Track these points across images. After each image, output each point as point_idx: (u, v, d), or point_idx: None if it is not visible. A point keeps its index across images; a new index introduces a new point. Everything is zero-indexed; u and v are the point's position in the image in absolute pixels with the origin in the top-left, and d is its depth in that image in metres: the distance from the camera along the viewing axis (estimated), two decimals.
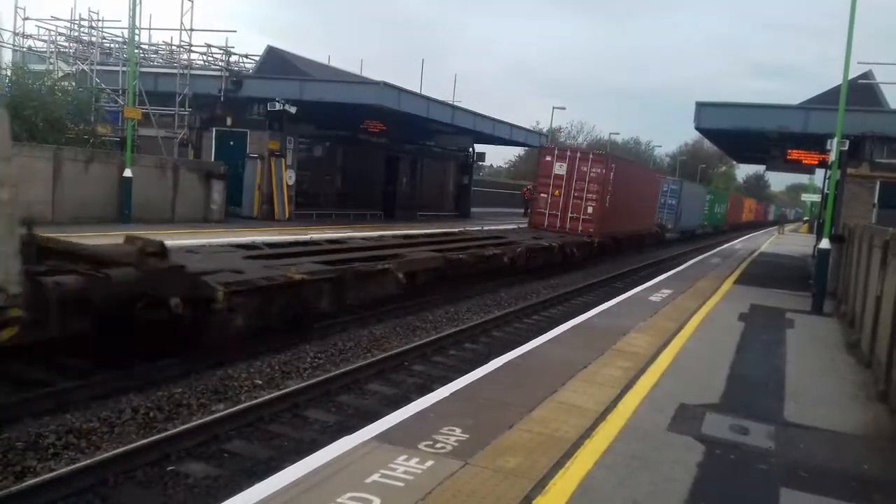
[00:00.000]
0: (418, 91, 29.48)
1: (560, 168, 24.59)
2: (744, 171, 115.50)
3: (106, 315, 7.70)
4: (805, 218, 73.66)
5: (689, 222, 44.54)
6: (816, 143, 17.25)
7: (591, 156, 25.10)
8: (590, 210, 24.18)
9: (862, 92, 18.55)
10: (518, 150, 77.22)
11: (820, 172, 24.09)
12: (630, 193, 27.77)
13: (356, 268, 12.01)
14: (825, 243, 13.86)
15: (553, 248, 21.15)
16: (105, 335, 7.85)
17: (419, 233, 20.65)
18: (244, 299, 9.09)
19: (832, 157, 13.95)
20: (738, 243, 38.51)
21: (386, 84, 23.54)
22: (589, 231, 24.21)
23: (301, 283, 10.28)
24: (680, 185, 43.24)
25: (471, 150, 38.70)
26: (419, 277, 13.94)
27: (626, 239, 29.44)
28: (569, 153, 25.31)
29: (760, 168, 74.85)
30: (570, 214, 24.49)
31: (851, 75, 14.33)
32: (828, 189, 15.17)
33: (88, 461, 5.94)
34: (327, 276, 11.12)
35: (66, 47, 25.81)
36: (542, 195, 25.17)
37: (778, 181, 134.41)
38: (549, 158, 25.02)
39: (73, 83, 23.52)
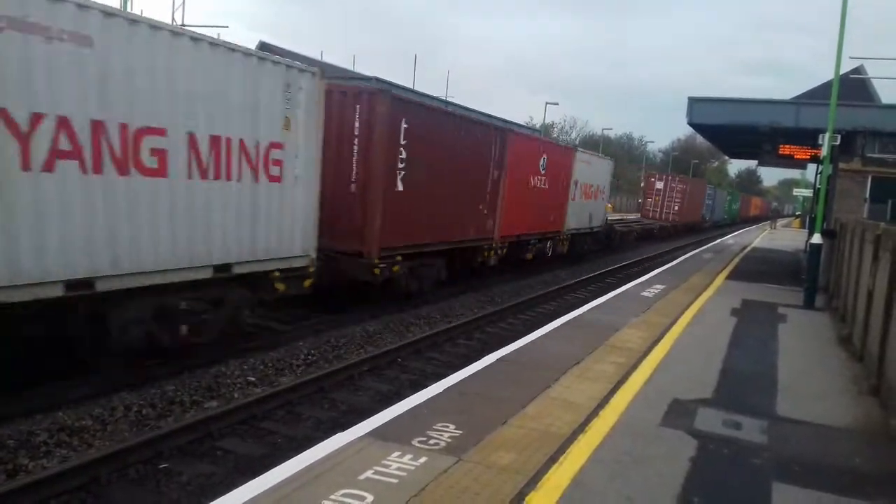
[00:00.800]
0: (411, 87, 29.41)
1: (660, 185, 47.83)
2: (736, 166, 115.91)
3: None
4: (798, 213, 74.05)
5: (718, 216, 62.92)
6: (808, 138, 17.28)
7: (677, 177, 50.05)
8: (675, 208, 46.66)
9: (854, 87, 18.61)
10: None
11: (812, 167, 24.21)
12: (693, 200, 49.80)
13: None
14: (817, 238, 13.91)
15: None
16: None
17: None
18: None
19: (824, 151, 13.99)
20: (730, 238, 38.61)
21: (378, 79, 23.45)
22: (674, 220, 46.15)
23: None
24: (714, 190, 61.70)
25: None
26: None
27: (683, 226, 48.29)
28: (667, 178, 49.24)
29: (752, 163, 75.18)
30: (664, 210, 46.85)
31: (843, 70, 14.37)
32: (820, 184, 15.22)
33: (81, 459, 5.92)
34: None
35: None
36: (648, 199, 48.59)
37: (770, 176, 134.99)
38: (653, 180, 49.73)
39: None
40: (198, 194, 8.36)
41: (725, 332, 10.41)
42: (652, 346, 9.07)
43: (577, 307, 12.09)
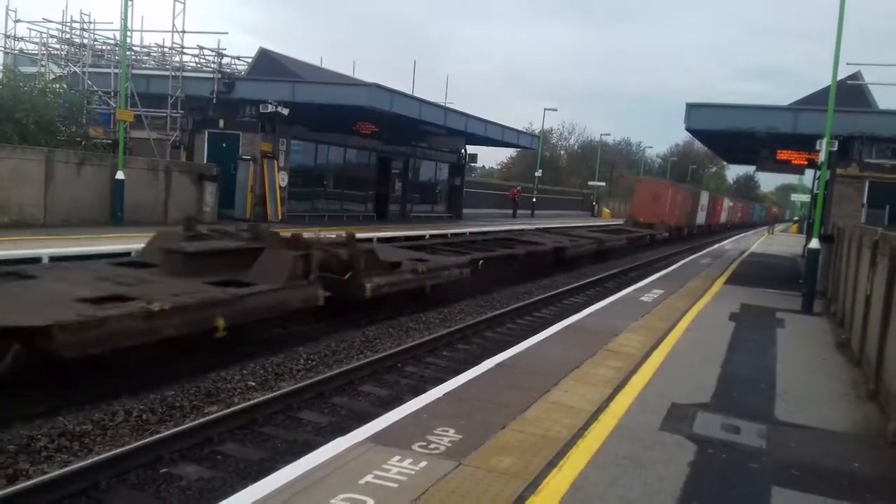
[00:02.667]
0: (410, 93, 29.52)
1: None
2: (734, 171, 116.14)
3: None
4: (795, 218, 74.26)
5: (754, 219, 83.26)
6: (806, 143, 17.37)
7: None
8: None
9: (851, 92, 18.70)
10: (510, 152, 77.40)
11: (809, 173, 24.25)
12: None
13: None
14: (815, 243, 13.95)
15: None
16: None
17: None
18: None
19: (821, 157, 14.04)
20: (728, 244, 38.67)
21: (378, 86, 23.55)
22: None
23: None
24: (752, 203, 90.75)
25: (463, 151, 38.72)
26: None
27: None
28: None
29: (750, 168, 75.71)
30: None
31: (840, 76, 14.43)
32: (817, 189, 15.26)
33: (81, 464, 5.93)
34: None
35: (57, 49, 25.70)
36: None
37: (768, 182, 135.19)
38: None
39: (65, 85, 23.44)
40: None
41: (724, 337, 10.44)
42: (651, 350, 9.10)
43: (576, 312, 12.12)
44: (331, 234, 13.20)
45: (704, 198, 52.63)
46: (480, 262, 16.84)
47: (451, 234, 25.24)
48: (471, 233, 26.36)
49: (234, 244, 11.47)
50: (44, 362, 7.01)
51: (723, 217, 62.86)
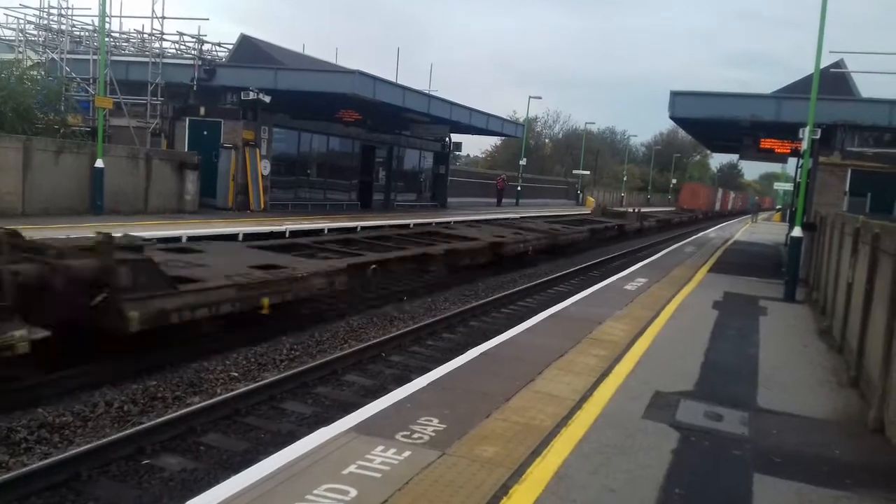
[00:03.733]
0: (394, 80, 29.36)
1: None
2: (718, 160, 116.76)
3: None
4: (778, 206, 75.04)
5: (751, 206, 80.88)
6: (789, 131, 17.45)
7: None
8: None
9: (834, 81, 18.79)
10: (495, 140, 77.25)
11: (793, 161, 24.41)
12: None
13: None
14: (797, 231, 14.04)
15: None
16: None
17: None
18: None
19: (804, 145, 14.12)
20: (712, 232, 38.89)
21: (361, 73, 23.38)
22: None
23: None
24: (752, 194, 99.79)
25: (447, 139, 38.62)
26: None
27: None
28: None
29: (734, 157, 76.30)
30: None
31: (823, 64, 14.49)
32: (800, 178, 15.35)
33: (61, 456, 5.86)
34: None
35: (34, 35, 25.31)
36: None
37: (751, 170, 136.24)
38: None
39: (43, 72, 23.08)
40: None
41: (707, 325, 10.49)
42: (635, 339, 9.12)
43: (561, 301, 12.13)
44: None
45: (719, 192, 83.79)
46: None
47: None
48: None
49: None
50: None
51: (729, 205, 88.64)
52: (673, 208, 67.90)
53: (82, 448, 6.04)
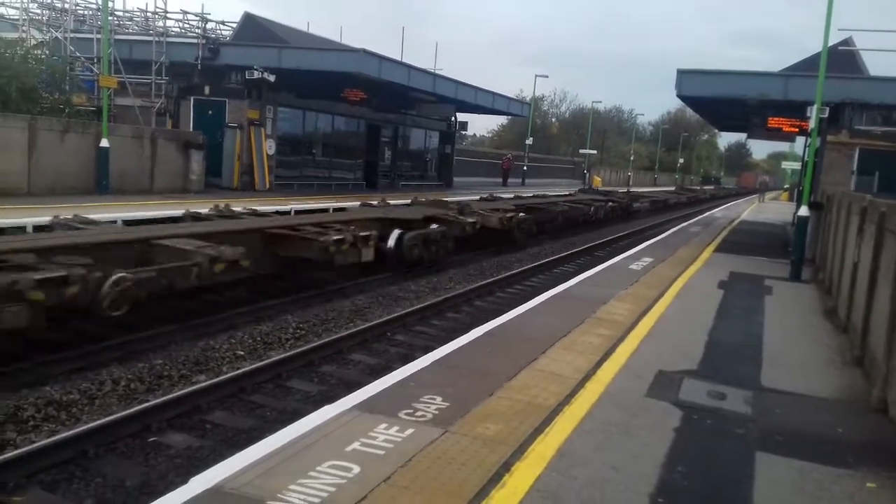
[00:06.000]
0: (399, 59, 29.17)
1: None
2: (726, 139, 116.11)
3: None
4: (786, 186, 74.54)
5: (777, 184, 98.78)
6: (797, 110, 17.31)
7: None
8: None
9: (842, 59, 18.58)
10: (501, 119, 76.92)
11: (801, 140, 24.21)
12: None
13: None
14: (804, 211, 13.97)
15: None
16: None
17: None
18: None
19: (812, 124, 13.99)
20: (718, 212, 38.74)
21: (366, 51, 23.24)
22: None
23: None
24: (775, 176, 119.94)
25: (453, 119, 38.44)
26: None
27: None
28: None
29: (742, 136, 75.74)
30: None
31: (832, 42, 14.33)
32: (808, 157, 15.24)
33: (68, 433, 5.92)
34: None
35: (38, 14, 25.18)
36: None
37: (759, 149, 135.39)
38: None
39: (47, 51, 23.01)
40: None
41: (712, 305, 10.48)
42: (639, 318, 9.12)
43: (565, 281, 12.13)
44: None
45: (760, 176, 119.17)
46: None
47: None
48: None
49: None
50: None
51: (757, 183, 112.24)
52: (673, 188, 69.20)
53: (89, 425, 6.10)
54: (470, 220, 16.83)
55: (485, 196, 25.32)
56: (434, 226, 15.46)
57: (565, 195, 32.22)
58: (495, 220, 17.99)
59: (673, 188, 69.25)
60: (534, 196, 28.64)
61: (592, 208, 27.58)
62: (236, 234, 10.92)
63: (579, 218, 25.89)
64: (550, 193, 33.36)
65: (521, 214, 19.89)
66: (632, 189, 45.20)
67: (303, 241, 11.42)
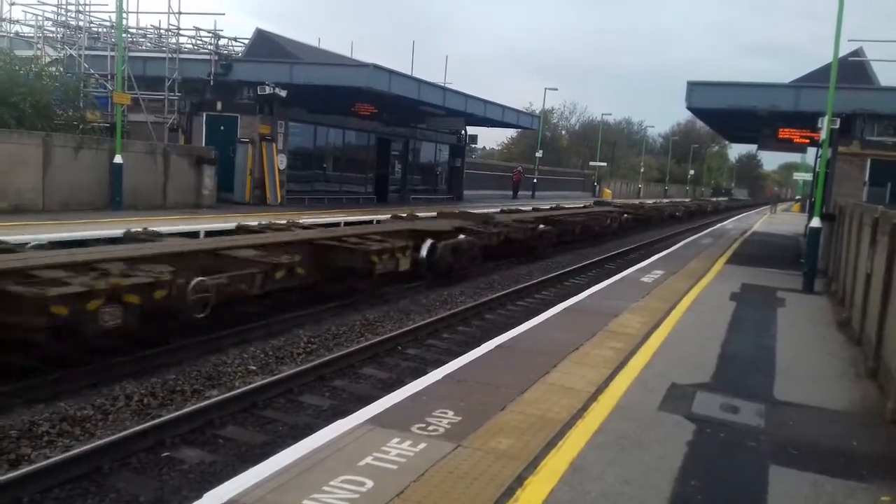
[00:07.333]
0: (409, 73, 29.32)
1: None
2: (736, 150, 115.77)
3: None
4: (797, 197, 74.20)
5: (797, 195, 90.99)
6: (807, 121, 17.26)
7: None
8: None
9: (853, 69, 18.55)
10: (510, 132, 76.99)
11: (812, 151, 24.13)
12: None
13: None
14: (816, 222, 13.90)
15: None
16: None
17: None
18: None
19: (823, 135, 13.96)
20: (729, 223, 38.59)
21: (376, 66, 23.38)
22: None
23: None
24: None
25: (463, 132, 38.55)
26: None
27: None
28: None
29: (753, 147, 75.52)
30: None
31: (842, 53, 14.31)
32: (819, 168, 15.19)
33: (83, 448, 5.96)
34: None
35: (53, 32, 25.51)
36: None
37: (770, 160, 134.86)
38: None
39: (61, 68, 23.28)
40: None
41: (724, 317, 10.44)
42: (651, 331, 9.10)
43: (577, 293, 12.12)
44: None
45: (776, 188, 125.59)
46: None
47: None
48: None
49: None
50: None
51: (782, 194, 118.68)
52: (680, 199, 70.40)
53: (103, 441, 6.13)
54: (496, 230, 17.29)
55: (505, 208, 25.84)
56: (462, 236, 15.87)
57: (581, 206, 32.58)
58: (520, 232, 18.46)
59: (688, 199, 69.18)
60: (551, 208, 29.01)
61: (609, 220, 28.40)
62: (290, 245, 11.75)
63: (596, 228, 26.62)
64: (567, 205, 33.58)
65: (542, 226, 20.36)
66: (644, 201, 45.06)
67: (348, 251, 12.18)
